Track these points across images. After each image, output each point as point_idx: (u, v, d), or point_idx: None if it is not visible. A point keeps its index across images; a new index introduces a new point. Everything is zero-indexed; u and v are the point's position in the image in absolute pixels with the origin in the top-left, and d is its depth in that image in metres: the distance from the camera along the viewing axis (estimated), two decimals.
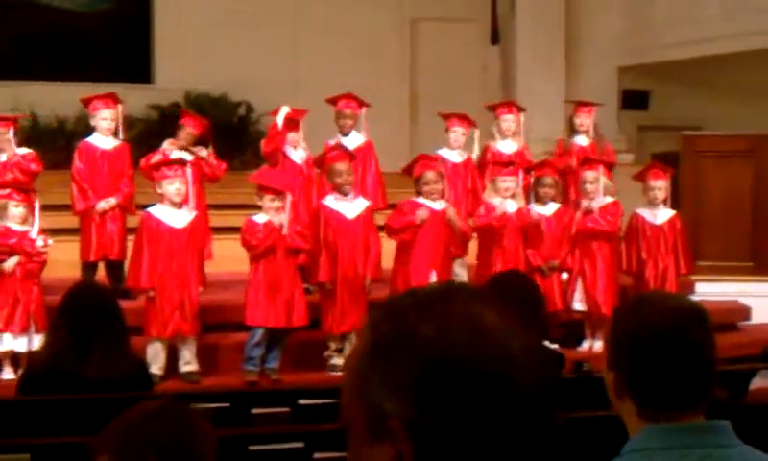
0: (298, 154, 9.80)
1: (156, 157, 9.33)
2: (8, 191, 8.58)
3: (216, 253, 9.76)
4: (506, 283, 5.10)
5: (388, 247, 9.21)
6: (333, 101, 10.32)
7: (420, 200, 9.10)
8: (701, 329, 2.34)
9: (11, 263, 8.32)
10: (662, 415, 2.29)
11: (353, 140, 10.07)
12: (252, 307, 8.55)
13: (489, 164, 10.15)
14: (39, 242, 8.38)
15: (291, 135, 9.76)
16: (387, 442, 1.43)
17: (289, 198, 8.81)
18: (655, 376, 2.30)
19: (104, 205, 9.33)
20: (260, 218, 8.66)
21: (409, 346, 1.44)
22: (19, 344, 8.29)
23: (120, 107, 9.74)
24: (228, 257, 9.07)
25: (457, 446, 1.43)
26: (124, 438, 2.49)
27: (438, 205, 9.08)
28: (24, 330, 8.27)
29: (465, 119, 10.53)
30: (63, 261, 9.10)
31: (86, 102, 9.82)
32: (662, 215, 9.76)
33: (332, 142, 9.90)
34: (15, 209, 8.49)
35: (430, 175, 9.09)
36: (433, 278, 8.79)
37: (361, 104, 10.31)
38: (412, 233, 8.96)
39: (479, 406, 1.42)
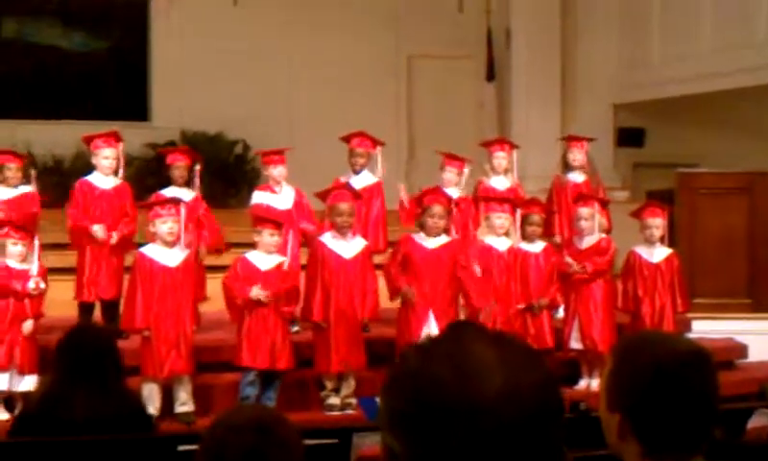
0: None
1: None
2: (5, 230, 8.55)
3: (210, 292, 9.72)
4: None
5: (386, 287, 9.18)
6: (346, 139, 10.33)
7: (417, 236, 9.07)
8: (708, 372, 2.35)
9: (27, 326, 8.32)
10: (667, 456, 2.28)
11: (363, 179, 10.09)
12: (240, 348, 8.52)
13: (481, 200, 10.16)
14: (31, 284, 8.32)
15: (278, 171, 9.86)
16: None
17: (291, 234, 8.86)
18: (662, 418, 2.29)
19: (99, 229, 9.25)
20: (253, 256, 8.65)
21: (399, 383, 1.53)
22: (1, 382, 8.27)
23: (121, 145, 9.71)
24: (221, 296, 9.02)
25: None
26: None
27: (437, 242, 9.05)
28: (4, 368, 8.22)
29: (457, 159, 10.52)
30: (60, 301, 9.05)
31: (88, 140, 9.74)
32: (659, 253, 9.75)
33: (343, 179, 9.93)
34: (14, 247, 8.43)
35: (437, 208, 9.05)
36: (432, 319, 8.76)
37: (375, 143, 10.32)
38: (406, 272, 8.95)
39: (453, 441, 1.46)
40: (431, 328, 8.61)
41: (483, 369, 1.48)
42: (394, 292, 8.98)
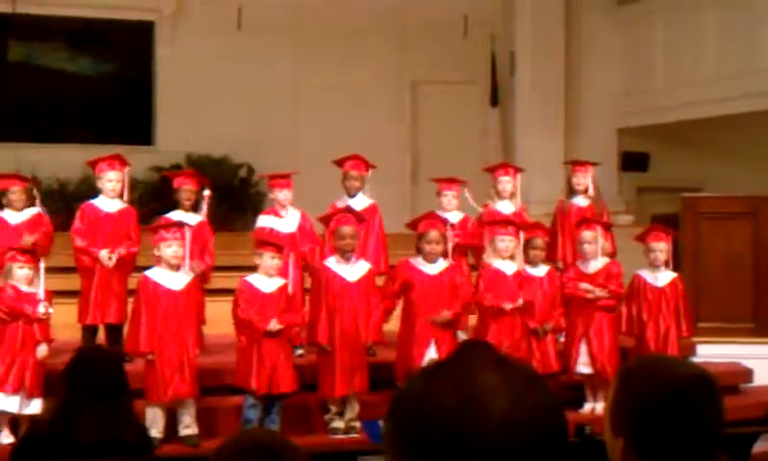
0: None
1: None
2: (12, 253, 8.58)
3: (215, 315, 9.70)
4: None
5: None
6: (340, 163, 10.33)
7: (416, 261, 9.07)
8: (714, 398, 2.34)
9: (42, 350, 8.33)
10: None
11: (359, 202, 10.09)
12: (240, 369, 8.54)
13: (485, 224, 10.17)
14: (41, 309, 8.34)
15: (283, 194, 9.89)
16: None
17: (292, 257, 8.86)
18: (666, 443, 2.29)
19: (106, 255, 9.24)
20: (255, 279, 8.66)
21: (403, 406, 1.54)
22: (10, 403, 8.26)
23: (127, 169, 9.71)
24: (226, 320, 9.03)
25: None
26: None
27: (436, 267, 9.05)
28: (16, 391, 8.23)
29: (454, 182, 10.56)
30: (61, 324, 9.05)
31: (93, 164, 9.75)
32: (664, 277, 9.75)
33: (339, 203, 9.92)
34: (20, 271, 8.46)
35: (433, 234, 9.06)
36: (432, 346, 8.76)
37: (368, 166, 10.34)
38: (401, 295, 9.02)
39: None
40: (430, 355, 8.63)
41: (487, 393, 1.48)
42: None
